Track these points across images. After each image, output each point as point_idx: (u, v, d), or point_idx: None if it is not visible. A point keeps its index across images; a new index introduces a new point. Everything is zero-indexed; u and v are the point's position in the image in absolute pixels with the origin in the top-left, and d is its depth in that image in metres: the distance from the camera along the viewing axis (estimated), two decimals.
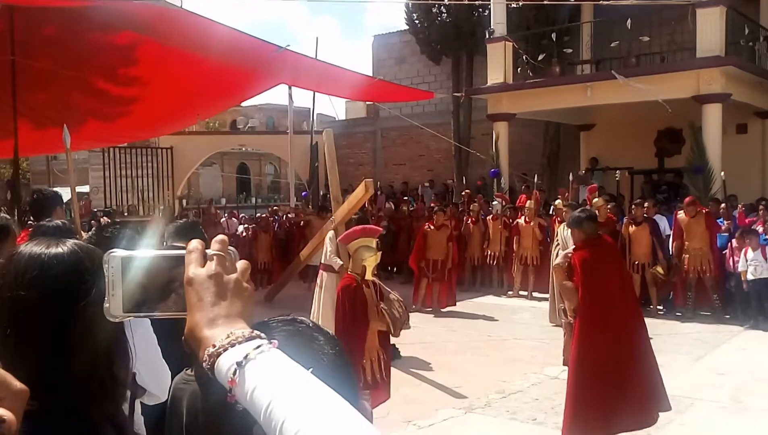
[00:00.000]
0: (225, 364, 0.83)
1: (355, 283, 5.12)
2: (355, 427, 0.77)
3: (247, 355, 0.82)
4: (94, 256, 1.12)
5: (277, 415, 0.77)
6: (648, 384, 4.93)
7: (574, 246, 5.17)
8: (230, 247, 0.96)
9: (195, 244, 0.94)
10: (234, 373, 0.81)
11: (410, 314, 10.22)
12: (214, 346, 0.85)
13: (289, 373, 0.82)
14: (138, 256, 0.97)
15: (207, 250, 0.93)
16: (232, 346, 0.84)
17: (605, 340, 4.83)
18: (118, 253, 0.96)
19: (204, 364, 0.85)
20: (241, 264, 0.95)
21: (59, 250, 1.12)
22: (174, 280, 0.93)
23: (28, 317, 1.04)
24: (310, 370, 0.83)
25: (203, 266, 0.92)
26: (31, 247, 1.12)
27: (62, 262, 1.09)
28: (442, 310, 10.72)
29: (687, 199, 10.20)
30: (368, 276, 5.17)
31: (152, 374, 2.33)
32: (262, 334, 0.87)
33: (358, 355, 4.99)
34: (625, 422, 4.84)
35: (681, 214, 10.03)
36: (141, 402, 2.38)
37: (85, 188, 21.82)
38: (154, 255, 0.97)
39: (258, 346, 0.84)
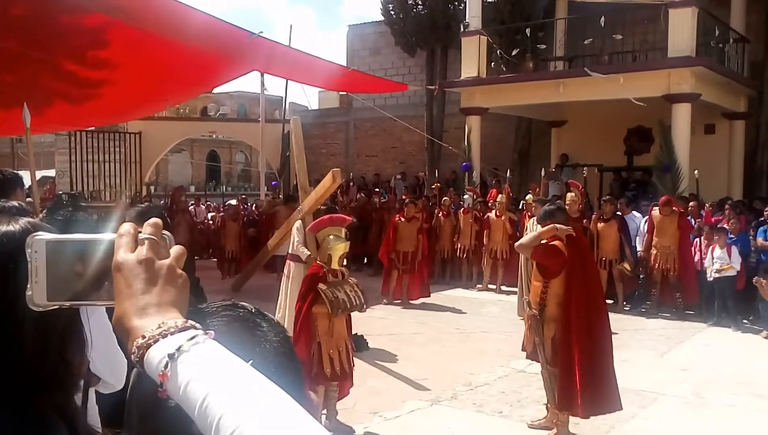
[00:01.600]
0: (156, 356, 0.76)
1: (322, 272, 5.11)
2: (296, 421, 0.72)
3: (179, 347, 0.75)
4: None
5: (213, 410, 0.72)
6: (610, 375, 5.04)
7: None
8: (165, 232, 0.89)
9: (126, 227, 0.87)
10: (165, 367, 0.75)
11: (379, 306, 10.23)
12: (143, 337, 0.78)
13: (226, 365, 0.75)
14: (66, 240, 0.89)
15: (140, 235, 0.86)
16: (164, 336, 0.77)
17: (586, 326, 4.96)
18: (43, 235, 0.88)
19: (132, 357, 0.78)
20: (175, 249, 0.88)
21: (10, 227, 1.05)
22: (106, 266, 0.86)
23: None
24: (250, 362, 0.77)
25: (133, 251, 0.85)
26: None
27: (12, 240, 1.02)
28: (413, 301, 10.72)
29: (662, 199, 10.28)
30: (334, 265, 5.16)
31: (107, 363, 2.25)
32: (197, 324, 0.80)
33: (309, 344, 4.99)
34: (601, 405, 5.03)
35: (655, 211, 10.14)
36: (96, 391, 2.30)
37: (51, 172, 21.39)
38: (84, 239, 0.89)
39: (192, 337, 0.77)
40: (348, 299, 5.08)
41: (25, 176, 11.27)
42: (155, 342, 0.77)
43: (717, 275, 9.37)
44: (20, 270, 0.94)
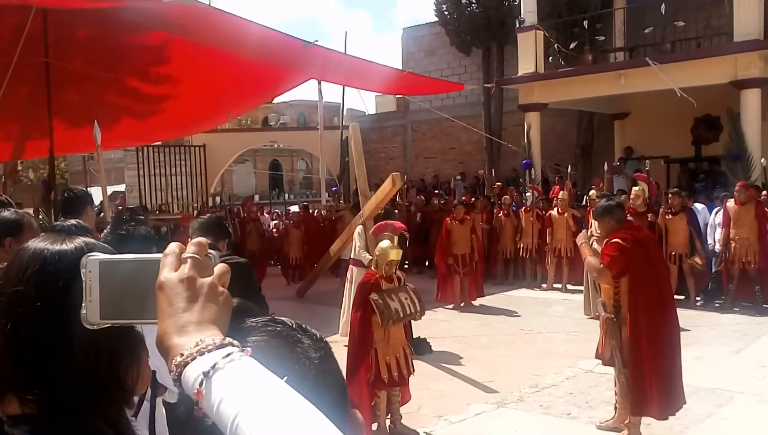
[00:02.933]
0: (192, 374, 0.77)
1: (373, 280, 5.09)
2: None
3: (215, 365, 0.76)
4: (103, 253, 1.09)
5: (243, 429, 0.72)
6: (679, 373, 4.92)
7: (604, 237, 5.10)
8: (210, 251, 0.91)
9: (172, 247, 0.89)
10: (200, 384, 0.76)
11: (441, 309, 10.18)
12: (182, 355, 0.79)
13: (259, 382, 0.76)
14: (119, 260, 0.92)
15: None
16: (201, 354, 0.78)
17: (657, 326, 4.85)
18: (97, 256, 0.92)
19: (171, 375, 0.79)
20: (218, 268, 0.89)
21: (64, 246, 1.09)
22: (154, 286, 0.88)
23: (26, 314, 1.01)
24: (285, 378, 0.77)
25: (177, 270, 0.87)
26: (37, 243, 1.10)
27: (65, 258, 1.06)
28: (473, 302, 10.58)
29: (739, 184, 9.90)
30: (381, 271, 5.12)
31: None
32: (235, 342, 0.81)
33: (367, 351, 4.97)
34: (675, 404, 4.90)
35: (730, 203, 9.76)
36: (164, 400, 2.36)
37: (121, 187, 22.15)
38: (135, 259, 0.93)
39: (228, 355, 0.78)
40: (402, 308, 4.99)
41: (98, 192, 11.71)
42: (192, 360, 0.78)
43: None
44: (72, 288, 0.98)
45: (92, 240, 1.17)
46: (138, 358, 1.14)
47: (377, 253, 5.20)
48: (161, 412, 2.37)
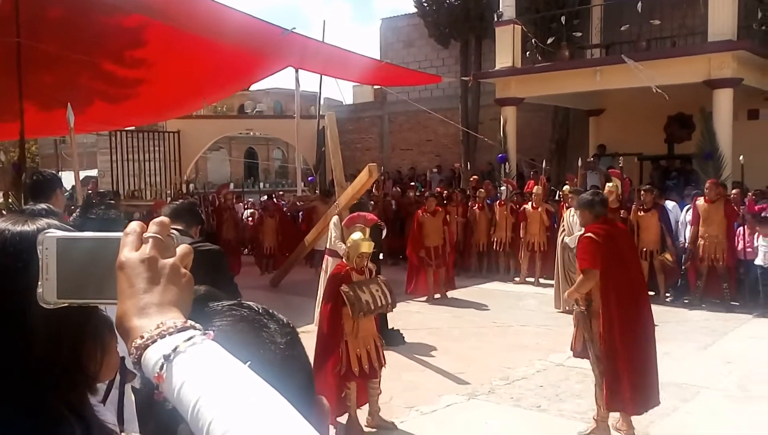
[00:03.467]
0: (152, 357, 0.75)
1: (344, 272, 5.07)
2: (288, 426, 0.70)
3: (176, 348, 0.74)
4: None
5: (204, 414, 0.70)
6: (655, 367, 4.97)
7: (581, 230, 5.15)
8: (173, 231, 0.88)
9: (133, 225, 0.86)
10: (161, 368, 0.74)
11: (414, 301, 10.21)
12: (142, 337, 0.77)
13: (221, 367, 0.74)
14: (77, 237, 0.89)
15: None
16: (162, 337, 0.76)
17: (629, 319, 4.89)
18: (54, 233, 0.89)
19: (131, 357, 0.77)
20: (181, 248, 0.87)
21: (25, 227, 1.05)
22: (114, 265, 0.85)
23: None
24: (248, 363, 0.75)
25: (138, 250, 0.84)
26: None
27: (25, 239, 1.02)
28: (441, 295, 10.59)
29: (709, 181, 10.04)
30: (352, 263, 5.10)
31: None
32: (197, 325, 0.79)
33: (337, 343, 4.96)
34: (648, 401, 4.95)
35: (700, 201, 9.90)
36: (132, 387, 2.34)
37: (94, 172, 21.85)
38: (95, 237, 0.89)
39: (189, 338, 0.76)
40: (373, 300, 4.97)
41: (69, 176, 11.51)
42: (153, 342, 0.76)
43: (761, 264, 9.13)
44: (32, 270, 0.95)
45: (56, 222, 1.13)
46: (102, 343, 1.11)
47: (349, 245, 5.18)
48: (130, 398, 2.35)
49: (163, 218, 0.88)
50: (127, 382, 2.25)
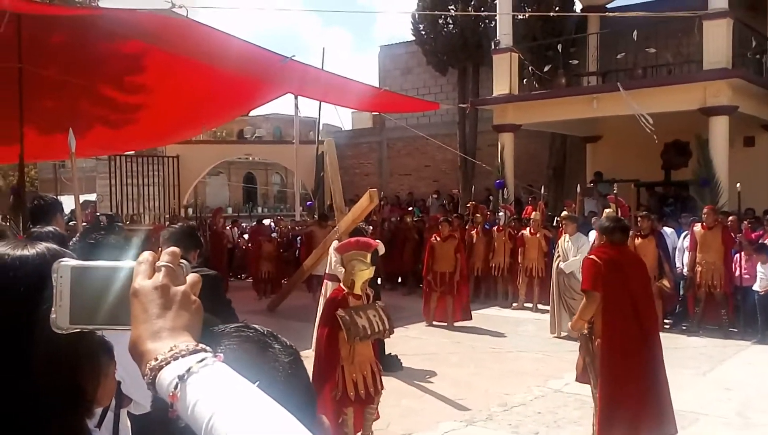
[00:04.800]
0: (167, 378, 0.80)
1: (341, 296, 5.05)
2: None
3: (189, 369, 0.80)
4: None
5: (218, 429, 0.75)
6: (667, 394, 4.93)
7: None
8: (182, 260, 0.94)
9: (145, 255, 0.92)
10: (175, 388, 0.79)
11: (413, 326, 10.17)
12: (156, 359, 0.82)
13: (232, 386, 0.79)
14: (90, 266, 0.94)
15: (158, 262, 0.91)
16: (175, 359, 0.82)
17: (633, 347, 4.84)
18: (69, 262, 0.93)
19: (145, 378, 0.82)
20: (191, 277, 0.93)
21: (25, 252, 1.07)
22: (127, 292, 0.91)
23: None
24: (257, 383, 0.80)
25: (151, 278, 0.89)
26: None
27: (25, 264, 1.04)
28: (456, 323, 10.43)
29: (707, 208, 10.08)
30: (357, 290, 5.07)
31: (138, 383, 2.27)
32: (208, 348, 0.84)
33: (333, 367, 4.93)
34: (651, 429, 4.90)
35: (697, 227, 9.93)
36: (128, 412, 2.33)
37: (92, 196, 21.88)
38: (107, 266, 0.95)
39: (201, 360, 0.81)
40: (370, 325, 4.90)
41: (68, 201, 11.53)
42: (167, 364, 0.81)
43: (758, 290, 9.14)
44: (33, 295, 0.97)
45: (55, 246, 1.15)
46: (100, 367, 1.13)
47: (352, 272, 5.12)
48: (125, 423, 2.34)
49: (174, 248, 0.94)
50: (122, 407, 2.24)
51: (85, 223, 12.92)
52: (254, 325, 0.99)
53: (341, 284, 5.23)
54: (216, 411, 0.76)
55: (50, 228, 3.27)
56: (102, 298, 0.92)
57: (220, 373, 0.80)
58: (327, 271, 8.50)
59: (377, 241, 5.83)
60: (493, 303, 12.36)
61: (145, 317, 0.86)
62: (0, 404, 0.98)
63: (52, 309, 0.92)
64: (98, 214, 16.01)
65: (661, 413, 4.91)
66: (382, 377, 5.31)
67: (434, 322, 10.58)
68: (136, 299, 0.88)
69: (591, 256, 5.03)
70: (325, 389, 4.88)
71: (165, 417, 0.80)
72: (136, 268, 0.91)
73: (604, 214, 10.01)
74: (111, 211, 18.37)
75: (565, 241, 9.65)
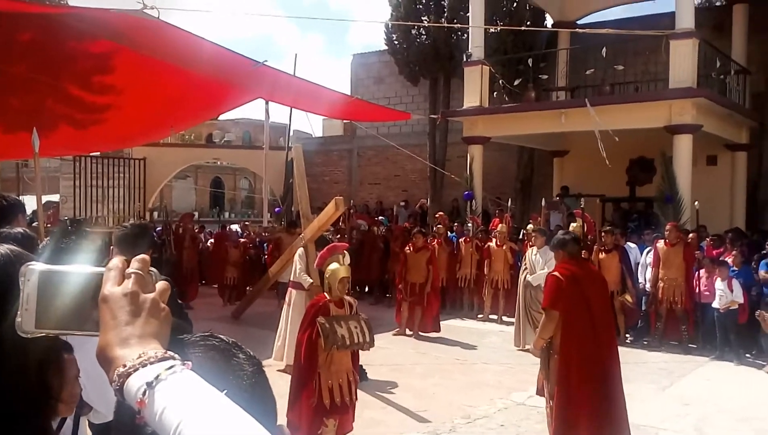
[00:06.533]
0: (135, 384, 0.81)
1: (322, 302, 5.04)
2: None
3: (157, 376, 0.80)
4: (29, 262, 1.06)
5: None
6: (623, 410, 5.00)
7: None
8: (152, 268, 0.94)
9: (115, 261, 0.92)
10: (143, 394, 0.79)
11: (379, 335, 10.16)
12: (124, 366, 0.83)
13: (199, 394, 0.80)
14: (58, 270, 0.93)
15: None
16: (144, 366, 0.82)
17: (590, 362, 4.88)
18: (37, 266, 0.93)
19: (113, 385, 0.83)
20: (160, 284, 0.93)
21: None
22: (94, 298, 0.91)
23: None
24: (224, 392, 0.81)
25: (120, 284, 0.90)
26: None
27: None
28: (423, 334, 10.48)
29: (669, 225, 10.25)
30: (336, 292, 5.07)
31: (100, 392, 2.23)
32: (176, 355, 0.85)
33: (312, 373, 4.90)
34: None
35: (660, 244, 10.09)
36: (88, 420, 2.29)
37: (55, 197, 21.46)
38: (75, 271, 0.94)
39: (170, 367, 0.82)
40: (350, 335, 4.88)
41: (31, 201, 11.31)
42: (135, 371, 0.82)
43: (718, 307, 9.31)
44: None
45: (18, 248, 1.14)
46: (64, 368, 1.12)
47: (327, 276, 5.12)
48: (85, 431, 2.30)
49: (144, 256, 0.94)
50: (82, 415, 2.20)
51: (48, 225, 12.69)
52: (219, 335, 1.00)
53: (324, 292, 5.21)
54: (184, 418, 0.76)
55: (20, 229, 3.20)
56: (69, 303, 0.92)
57: (188, 381, 0.81)
58: (292, 279, 8.46)
59: (345, 244, 5.85)
60: (459, 314, 12.41)
61: (114, 324, 0.87)
62: None
63: (18, 313, 0.91)
64: (65, 218, 15.71)
65: (615, 427, 4.96)
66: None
67: (405, 332, 10.61)
68: (105, 305, 0.88)
69: (554, 273, 5.09)
70: (302, 395, 4.84)
71: (132, 424, 0.81)
72: (105, 274, 0.91)
73: (570, 229, 10.17)
74: (74, 212, 18.07)
75: (533, 254, 9.73)
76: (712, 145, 14.85)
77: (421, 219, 17.48)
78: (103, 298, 0.89)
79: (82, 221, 14.97)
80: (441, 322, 10.91)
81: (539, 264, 9.57)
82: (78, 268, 0.95)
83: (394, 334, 10.51)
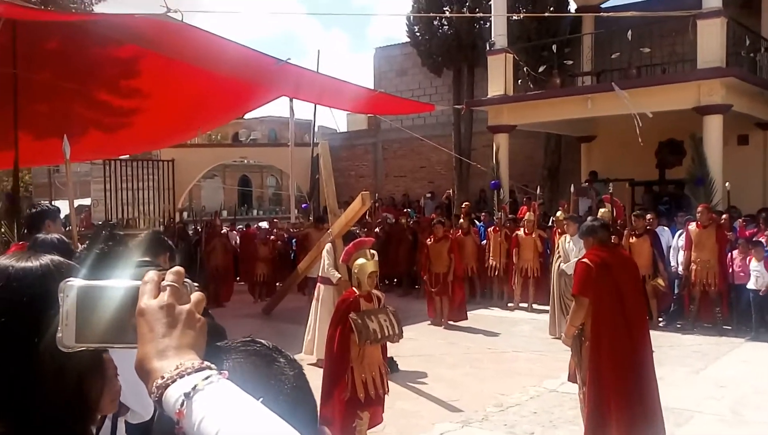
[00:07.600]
0: (173, 395, 0.83)
1: (353, 298, 5.09)
2: None
3: (195, 386, 0.82)
4: (70, 272, 1.10)
5: None
6: (656, 395, 4.96)
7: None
8: (186, 279, 0.96)
9: (151, 274, 0.94)
10: (182, 405, 0.81)
11: (408, 327, 10.21)
12: (162, 377, 0.85)
13: (237, 403, 0.81)
14: (96, 286, 0.96)
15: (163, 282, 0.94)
16: (181, 377, 0.84)
17: (621, 349, 4.85)
18: (76, 282, 0.95)
19: (152, 396, 0.85)
20: (195, 295, 0.95)
21: (29, 263, 1.09)
22: (131, 312, 0.93)
23: None
24: (260, 399, 0.83)
25: (156, 297, 0.92)
26: (2, 260, 1.10)
27: (29, 275, 1.07)
28: (451, 323, 10.50)
29: (701, 206, 10.11)
30: (365, 287, 5.12)
31: (136, 392, 2.28)
32: (213, 365, 0.87)
33: (344, 368, 4.95)
34: (639, 430, 4.89)
35: (692, 226, 9.97)
36: (125, 420, 2.35)
37: (87, 201, 21.82)
38: (112, 285, 0.97)
39: (207, 377, 0.84)
40: (380, 329, 4.95)
41: (63, 205, 11.52)
42: (173, 382, 0.84)
43: (754, 288, 9.17)
44: (37, 306, 0.99)
45: (59, 258, 1.17)
46: (105, 376, 1.15)
47: (356, 271, 5.17)
48: (122, 432, 2.36)
49: (179, 268, 0.96)
50: (120, 416, 2.26)
51: (81, 229, 12.92)
52: (260, 340, 1.01)
53: (353, 287, 5.26)
54: (222, 427, 0.78)
55: (55, 236, 3.29)
56: (107, 318, 0.94)
57: (225, 390, 0.83)
58: (320, 274, 8.52)
59: (372, 239, 5.90)
60: (489, 303, 12.38)
61: (152, 336, 0.89)
62: (7, 414, 1.00)
63: (59, 328, 0.94)
64: (98, 222, 15.97)
65: (648, 414, 4.92)
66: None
67: (434, 321, 10.66)
68: (142, 319, 0.90)
69: (584, 260, 5.06)
70: (335, 391, 4.91)
71: (171, 434, 0.83)
72: (141, 287, 0.93)
73: (599, 214, 10.08)
74: (106, 215, 18.36)
75: (566, 242, 9.64)
76: (743, 124, 14.57)
77: (447, 210, 17.44)
78: (140, 312, 0.91)
79: (114, 225, 15.19)
80: (471, 312, 10.91)
81: (573, 252, 9.47)
82: (115, 283, 0.97)
83: (429, 324, 10.56)
